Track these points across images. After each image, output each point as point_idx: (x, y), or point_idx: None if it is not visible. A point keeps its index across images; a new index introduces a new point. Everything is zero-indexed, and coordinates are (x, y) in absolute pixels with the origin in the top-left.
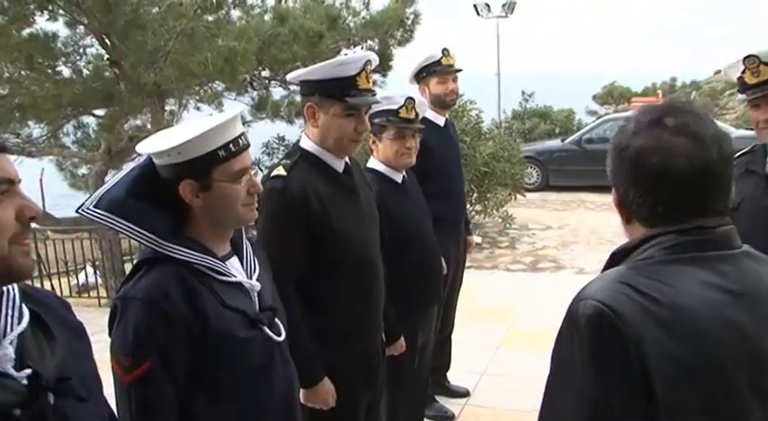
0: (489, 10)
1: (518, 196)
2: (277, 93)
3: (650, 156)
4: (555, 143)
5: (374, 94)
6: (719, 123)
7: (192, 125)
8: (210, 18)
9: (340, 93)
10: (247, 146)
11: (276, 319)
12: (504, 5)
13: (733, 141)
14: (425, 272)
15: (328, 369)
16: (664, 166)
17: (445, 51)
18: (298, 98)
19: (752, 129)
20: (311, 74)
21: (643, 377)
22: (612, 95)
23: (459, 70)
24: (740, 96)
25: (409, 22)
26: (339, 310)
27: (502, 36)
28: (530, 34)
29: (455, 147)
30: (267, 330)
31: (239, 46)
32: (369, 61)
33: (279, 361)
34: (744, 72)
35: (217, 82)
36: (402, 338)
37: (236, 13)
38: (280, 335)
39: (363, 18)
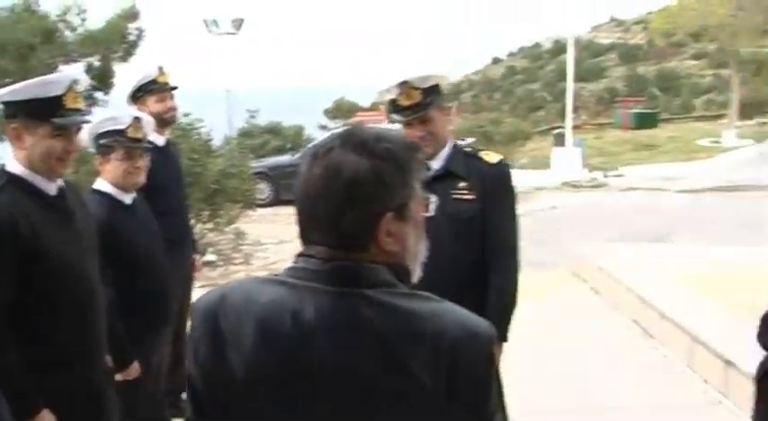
0: (218, 26)
1: (250, 212)
2: None
3: (298, 183)
4: (285, 158)
5: (84, 114)
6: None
7: None
8: None
9: (46, 113)
10: None
11: None
12: (233, 21)
13: None
14: (156, 293)
15: (48, 399)
16: (298, 194)
17: (161, 69)
18: None
19: (462, 140)
20: (13, 94)
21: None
22: (341, 110)
23: (175, 88)
24: (395, 117)
25: (132, 37)
26: (57, 337)
27: (232, 52)
28: (261, 50)
29: (177, 165)
30: None
31: None
32: (75, 81)
33: None
34: (398, 95)
35: None
36: (137, 362)
37: None
38: None
39: (82, 33)
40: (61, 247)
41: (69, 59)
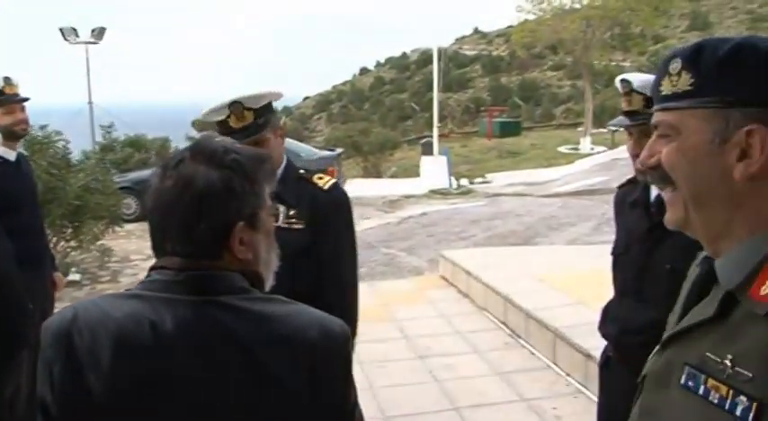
0: (77, 35)
1: (117, 228)
2: None
3: (149, 196)
4: (151, 172)
5: None
6: (301, 145)
7: None
8: None
9: None
10: None
11: None
12: (92, 31)
13: (316, 161)
14: (9, 315)
15: None
16: (149, 205)
17: (7, 80)
18: None
19: (332, 150)
20: None
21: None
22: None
23: (27, 99)
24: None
25: None
26: None
27: (95, 63)
28: (126, 62)
29: (30, 181)
30: None
31: None
32: None
33: None
34: (229, 116)
35: None
36: None
37: None
38: None
39: None
40: None
41: None
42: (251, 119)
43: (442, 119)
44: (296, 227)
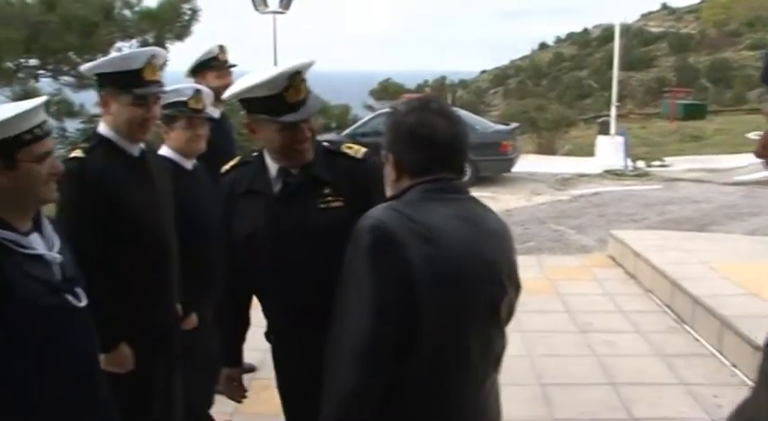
0: (266, 5)
1: None
2: (46, 84)
3: (419, 129)
4: (330, 136)
5: (161, 86)
6: (477, 117)
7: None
8: None
9: (128, 84)
10: (50, 132)
11: (77, 288)
12: (281, 0)
13: (490, 135)
14: (214, 254)
15: (125, 336)
16: (429, 136)
17: (222, 48)
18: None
19: (507, 125)
20: (100, 67)
21: (408, 277)
22: (388, 91)
23: (235, 65)
24: (282, 118)
25: (187, 17)
26: (134, 285)
27: (280, 33)
28: (309, 32)
29: (230, 138)
30: (69, 297)
31: (3, 32)
32: (153, 55)
33: (80, 327)
34: (286, 90)
35: None
36: (194, 315)
37: None
38: (81, 301)
39: (139, 11)
40: (141, 206)
41: (126, 36)
42: (305, 92)
43: (621, 98)
44: (333, 205)
